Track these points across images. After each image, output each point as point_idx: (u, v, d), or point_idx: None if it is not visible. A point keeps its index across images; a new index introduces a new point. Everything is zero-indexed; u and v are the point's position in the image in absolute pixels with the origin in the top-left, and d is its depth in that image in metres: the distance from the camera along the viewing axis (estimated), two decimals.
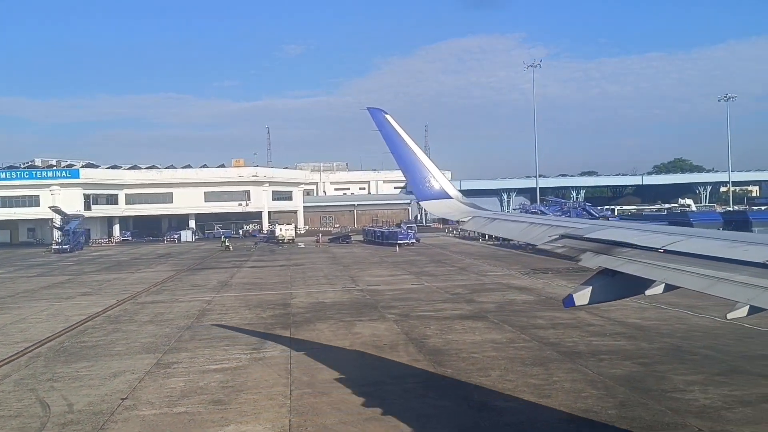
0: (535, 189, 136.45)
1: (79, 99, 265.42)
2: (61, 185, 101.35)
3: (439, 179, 11.84)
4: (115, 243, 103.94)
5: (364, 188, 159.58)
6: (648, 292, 6.08)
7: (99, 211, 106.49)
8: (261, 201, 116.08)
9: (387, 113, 12.18)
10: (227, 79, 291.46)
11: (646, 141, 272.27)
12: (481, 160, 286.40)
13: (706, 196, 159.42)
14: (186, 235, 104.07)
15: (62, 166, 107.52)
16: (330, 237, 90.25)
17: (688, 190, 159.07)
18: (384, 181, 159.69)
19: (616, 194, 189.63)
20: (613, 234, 7.49)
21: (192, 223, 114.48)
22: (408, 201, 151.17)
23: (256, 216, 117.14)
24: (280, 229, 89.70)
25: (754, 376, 16.76)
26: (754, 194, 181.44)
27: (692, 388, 15.83)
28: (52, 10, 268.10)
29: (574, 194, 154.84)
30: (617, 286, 6.61)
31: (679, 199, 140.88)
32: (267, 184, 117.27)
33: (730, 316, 5.12)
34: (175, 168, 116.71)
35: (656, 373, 17.27)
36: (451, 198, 11.74)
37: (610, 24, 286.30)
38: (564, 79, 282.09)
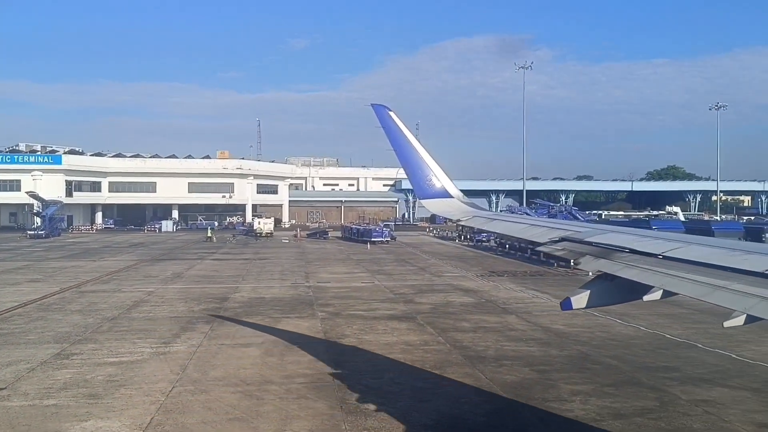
0: (527, 191, 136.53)
1: (84, 85, 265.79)
2: (43, 171, 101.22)
3: (441, 178, 11.88)
4: (96, 230, 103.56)
5: (353, 185, 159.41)
6: (646, 298, 6.21)
7: (81, 197, 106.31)
8: (245, 194, 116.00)
9: (391, 110, 12.16)
10: (232, 71, 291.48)
11: (648, 147, 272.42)
12: (478, 160, 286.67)
13: (695, 204, 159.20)
14: (167, 225, 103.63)
15: (45, 151, 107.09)
16: (308, 232, 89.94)
17: (680, 197, 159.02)
18: (373, 178, 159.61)
19: (609, 199, 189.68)
20: (613, 238, 7.54)
21: (175, 214, 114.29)
22: (395, 199, 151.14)
23: (241, 208, 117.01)
24: (258, 223, 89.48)
25: (644, 388, 16.52)
26: (745, 204, 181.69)
27: (574, 399, 15.58)
28: None
29: (563, 198, 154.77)
30: (615, 290, 6.65)
31: (667, 207, 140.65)
32: (252, 177, 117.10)
33: (727, 324, 5.17)
34: (160, 157, 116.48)
35: (548, 381, 17.03)
36: (452, 197, 11.79)
37: (617, 28, 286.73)
38: (569, 82, 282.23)
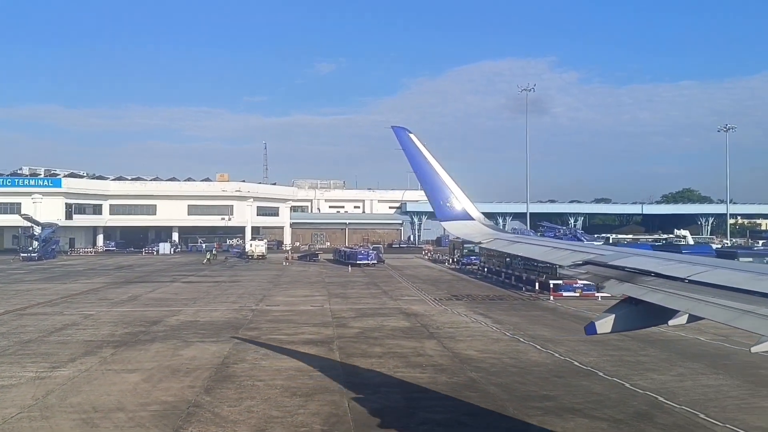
0: (534, 214, 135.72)
1: (115, 110, 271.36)
2: (43, 194, 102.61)
3: (461, 200, 11.79)
4: (96, 253, 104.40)
5: (359, 207, 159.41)
6: (671, 322, 6.15)
7: (81, 220, 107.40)
8: (245, 216, 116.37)
9: (411, 132, 12.12)
10: (258, 95, 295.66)
11: (672, 169, 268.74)
12: (500, 182, 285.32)
13: (708, 227, 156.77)
14: (164, 248, 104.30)
15: (47, 174, 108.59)
16: (299, 255, 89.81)
17: (693, 221, 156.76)
18: (379, 201, 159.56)
19: (624, 222, 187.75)
20: (637, 262, 7.43)
21: (175, 236, 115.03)
22: (400, 221, 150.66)
23: (240, 231, 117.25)
24: (250, 245, 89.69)
25: (502, 418, 15.89)
26: (763, 228, 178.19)
27: (420, 428, 15.00)
28: (89, 22, 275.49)
29: (572, 221, 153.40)
30: (640, 315, 6.57)
31: (675, 230, 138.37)
32: (251, 200, 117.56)
33: (754, 349, 5.09)
34: (160, 180, 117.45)
35: (409, 409, 16.46)
36: (473, 220, 11.68)
37: (643, 50, 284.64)
38: (595, 104, 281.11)
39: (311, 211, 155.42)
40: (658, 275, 6.72)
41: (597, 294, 41.98)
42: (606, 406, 16.92)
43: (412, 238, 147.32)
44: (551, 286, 42.75)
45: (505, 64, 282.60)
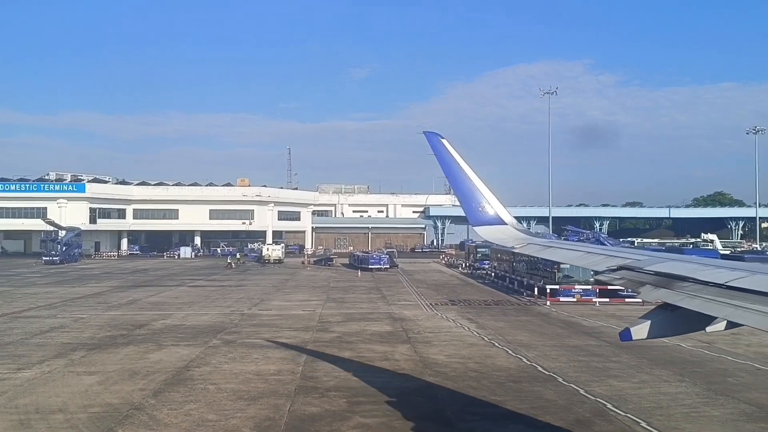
0: (559, 218, 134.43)
1: (153, 116, 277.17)
2: (68, 199, 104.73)
3: (494, 205, 11.81)
4: (119, 257, 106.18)
5: (382, 211, 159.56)
6: (709, 329, 6.07)
7: (105, 224, 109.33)
8: (265, 220, 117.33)
9: (443, 137, 12.20)
10: (294, 101, 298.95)
11: (709, 172, 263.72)
12: (532, 187, 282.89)
13: (737, 231, 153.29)
14: (185, 252, 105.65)
15: (72, 180, 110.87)
16: (315, 259, 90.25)
17: (723, 224, 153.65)
18: (402, 205, 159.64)
19: (654, 226, 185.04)
20: (673, 267, 7.34)
21: (197, 240, 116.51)
22: (423, 225, 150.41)
23: (262, 235, 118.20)
24: (267, 249, 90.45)
25: (436, 423, 15.74)
26: None
27: None
28: (130, 32, 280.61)
29: (597, 225, 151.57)
30: (677, 321, 6.46)
31: (702, 234, 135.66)
32: (272, 204, 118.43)
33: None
34: (182, 185, 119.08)
35: (347, 414, 16.36)
36: (506, 224, 11.70)
37: (681, 52, 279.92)
38: (633, 107, 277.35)
39: (334, 215, 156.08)
40: (695, 280, 6.61)
41: (595, 300, 41.41)
42: (549, 413, 16.64)
43: (435, 243, 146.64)
44: (548, 291, 42.24)
45: (540, 67, 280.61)
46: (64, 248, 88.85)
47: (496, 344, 26.65)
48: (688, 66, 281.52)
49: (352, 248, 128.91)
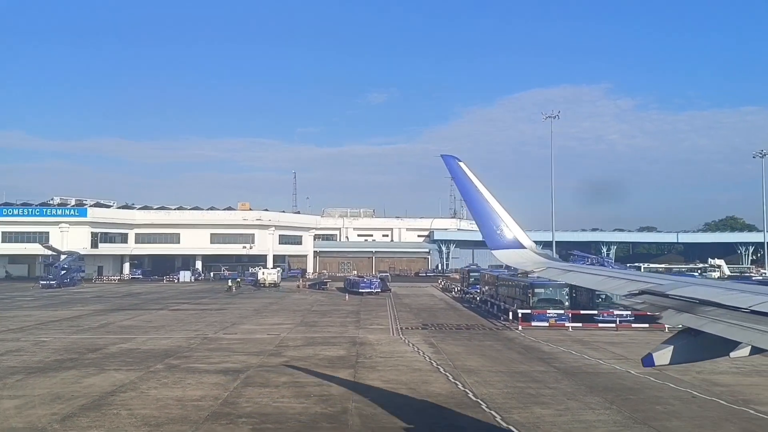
0: (565, 242, 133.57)
1: (174, 141, 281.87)
2: (70, 223, 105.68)
3: (512, 229, 11.77)
4: (119, 280, 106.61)
5: (387, 235, 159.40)
6: (733, 354, 5.89)
7: (107, 249, 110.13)
8: (266, 244, 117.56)
9: (461, 161, 12.27)
10: (311, 126, 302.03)
11: (732, 197, 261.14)
12: (547, 212, 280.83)
13: (748, 256, 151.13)
14: (184, 276, 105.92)
15: (75, 205, 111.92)
16: (309, 283, 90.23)
17: (734, 250, 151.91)
18: (407, 229, 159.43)
19: (665, 251, 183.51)
20: (696, 292, 7.32)
21: (198, 264, 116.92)
22: (427, 249, 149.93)
23: (263, 259, 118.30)
24: (262, 273, 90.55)
25: None
26: None
27: None
28: (151, 59, 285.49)
29: (604, 250, 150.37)
30: (700, 346, 6.41)
31: (709, 259, 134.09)
32: (273, 228, 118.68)
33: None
34: (183, 209, 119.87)
35: None
36: (525, 248, 11.63)
37: (700, 76, 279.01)
38: (652, 131, 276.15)
39: (339, 239, 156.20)
40: (718, 305, 6.55)
41: (568, 324, 40.87)
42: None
43: (440, 267, 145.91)
44: (519, 315, 41.77)
45: (558, 91, 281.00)
46: (62, 272, 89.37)
47: (442, 369, 26.28)
48: (708, 90, 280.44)
49: (355, 272, 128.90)
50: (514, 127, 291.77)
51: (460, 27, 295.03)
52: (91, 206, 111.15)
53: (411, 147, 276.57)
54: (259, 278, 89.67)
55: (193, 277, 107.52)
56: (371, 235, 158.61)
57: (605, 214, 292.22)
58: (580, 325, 40.86)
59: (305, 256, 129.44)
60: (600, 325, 40.95)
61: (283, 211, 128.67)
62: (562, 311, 41.73)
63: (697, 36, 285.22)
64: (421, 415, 18.93)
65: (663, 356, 6.38)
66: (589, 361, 29.05)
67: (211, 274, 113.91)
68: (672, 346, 6.40)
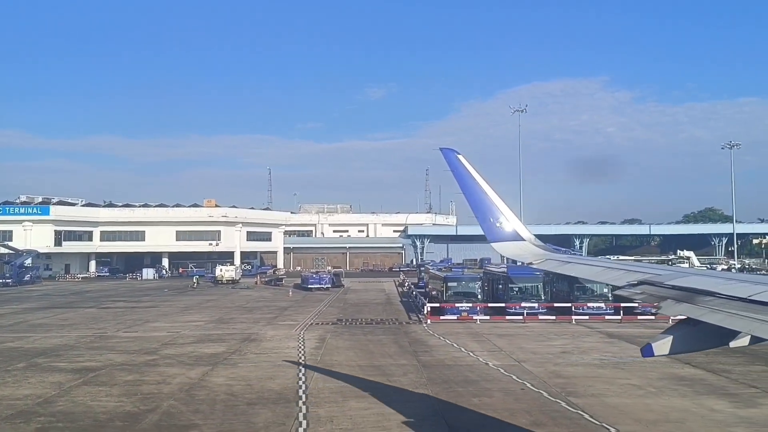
0: (541, 236, 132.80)
1: (173, 139, 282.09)
2: (33, 221, 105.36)
3: (511, 221, 11.79)
4: (82, 279, 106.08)
5: (363, 231, 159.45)
6: (732, 344, 5.91)
7: (71, 247, 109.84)
8: (233, 241, 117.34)
9: (459, 154, 12.23)
10: (311, 122, 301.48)
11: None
12: (546, 205, 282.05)
13: (721, 247, 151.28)
14: (147, 273, 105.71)
15: (35, 203, 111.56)
16: (266, 279, 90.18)
17: (707, 241, 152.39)
18: (383, 224, 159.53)
19: (644, 244, 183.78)
20: (695, 282, 7.36)
21: (165, 262, 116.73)
22: (401, 245, 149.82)
23: (230, 256, 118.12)
24: (220, 270, 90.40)
25: None
26: None
27: None
28: (150, 56, 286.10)
29: (577, 243, 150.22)
30: (699, 336, 6.42)
31: (678, 251, 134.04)
32: (240, 225, 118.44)
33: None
34: (149, 206, 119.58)
35: None
36: (524, 240, 11.67)
37: (698, 68, 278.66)
38: (650, 123, 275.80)
39: (315, 235, 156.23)
40: (717, 295, 6.57)
41: (476, 318, 40.83)
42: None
43: (414, 262, 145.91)
44: (427, 310, 41.71)
45: (556, 85, 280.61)
46: (20, 270, 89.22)
47: (302, 365, 26.15)
48: (705, 81, 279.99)
49: (329, 268, 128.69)
50: (512, 121, 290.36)
51: (458, 21, 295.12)
52: (54, 204, 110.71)
53: (412, 142, 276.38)
54: (216, 275, 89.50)
55: (157, 275, 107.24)
56: (347, 231, 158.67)
57: (594, 206, 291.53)
58: (488, 318, 40.82)
59: (275, 252, 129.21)
60: (508, 317, 40.91)
61: (252, 208, 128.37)
62: (470, 304, 41.64)
63: (695, 27, 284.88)
64: (230, 413, 18.73)
65: (662, 346, 6.36)
66: (460, 354, 28.99)
67: (179, 270, 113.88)
68: (671, 336, 6.40)
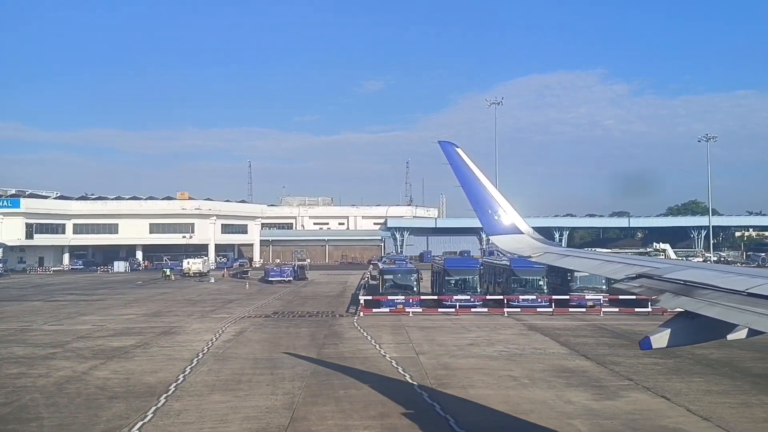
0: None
1: (171, 131, 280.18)
2: (3, 214, 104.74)
3: (510, 214, 11.70)
4: (54, 272, 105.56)
5: (343, 223, 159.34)
6: (730, 337, 6.04)
7: (43, 239, 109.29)
8: (207, 234, 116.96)
9: (458, 147, 12.15)
10: (308, 115, 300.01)
11: (729, 182, 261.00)
12: (543, 197, 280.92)
13: (700, 240, 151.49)
14: (118, 266, 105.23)
15: (7, 195, 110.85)
16: (233, 272, 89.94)
17: (687, 234, 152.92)
18: (363, 217, 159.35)
19: (628, 236, 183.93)
20: (693, 275, 7.35)
21: (139, 254, 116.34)
22: (380, 237, 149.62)
23: (204, 248, 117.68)
24: (187, 263, 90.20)
25: None
26: None
27: None
28: (146, 48, 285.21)
29: (556, 235, 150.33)
30: (698, 329, 6.43)
31: (654, 243, 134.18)
32: (214, 218, 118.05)
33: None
34: (122, 199, 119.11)
35: None
36: (522, 233, 11.62)
37: (696, 61, 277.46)
38: (647, 116, 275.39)
39: (296, 228, 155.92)
40: (715, 288, 6.56)
41: (408, 310, 40.64)
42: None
43: (393, 254, 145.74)
44: (361, 302, 41.56)
45: (554, 77, 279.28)
46: None
47: (198, 359, 25.93)
48: (703, 74, 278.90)
49: (309, 261, 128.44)
50: (510, 114, 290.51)
51: (456, 14, 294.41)
52: (25, 197, 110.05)
53: (409, 134, 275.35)
54: (183, 268, 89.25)
55: (129, 268, 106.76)
56: (327, 224, 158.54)
57: (590, 198, 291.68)
58: (420, 310, 40.67)
59: (251, 245, 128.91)
60: (440, 310, 40.76)
61: (227, 200, 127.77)
62: (404, 297, 41.47)
63: (692, 20, 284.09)
64: (93, 406, 18.61)
65: (660, 339, 6.35)
66: (366, 346, 28.93)
67: (153, 263, 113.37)
68: (669, 329, 6.39)
